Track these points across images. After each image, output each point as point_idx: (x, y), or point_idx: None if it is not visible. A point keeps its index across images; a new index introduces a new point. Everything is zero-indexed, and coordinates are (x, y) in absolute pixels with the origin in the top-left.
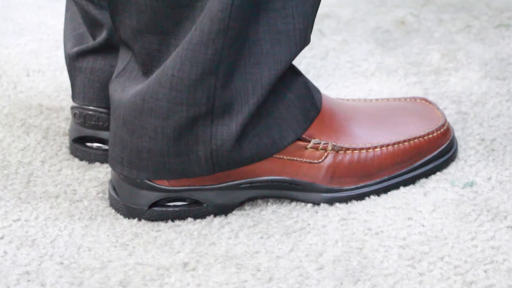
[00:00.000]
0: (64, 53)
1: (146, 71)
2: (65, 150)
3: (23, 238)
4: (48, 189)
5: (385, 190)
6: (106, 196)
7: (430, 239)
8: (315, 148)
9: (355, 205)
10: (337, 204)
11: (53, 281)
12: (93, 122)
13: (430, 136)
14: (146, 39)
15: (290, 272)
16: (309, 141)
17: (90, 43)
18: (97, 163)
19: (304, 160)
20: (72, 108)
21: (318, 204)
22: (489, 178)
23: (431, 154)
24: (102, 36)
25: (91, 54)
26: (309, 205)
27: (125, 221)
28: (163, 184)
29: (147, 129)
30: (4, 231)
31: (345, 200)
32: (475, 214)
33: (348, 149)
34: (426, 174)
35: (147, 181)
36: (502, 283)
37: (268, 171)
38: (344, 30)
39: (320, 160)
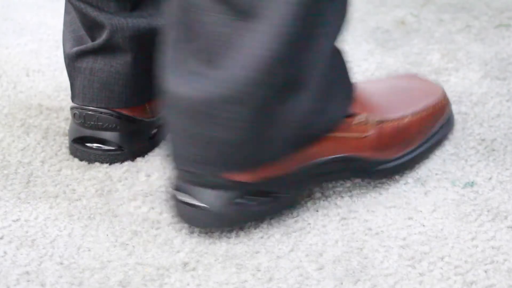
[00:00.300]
0: (63, 53)
1: (211, 58)
2: (65, 150)
3: (22, 238)
4: (48, 189)
5: (422, 156)
6: (104, 193)
7: (430, 239)
8: (361, 122)
9: (355, 204)
10: (337, 203)
11: (53, 281)
12: (92, 123)
13: (439, 104)
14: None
15: (290, 272)
16: (355, 116)
17: (89, 43)
18: (97, 163)
19: (352, 135)
20: (72, 108)
21: (375, 179)
22: (490, 178)
23: (441, 118)
24: (102, 37)
25: (91, 55)
26: (309, 204)
27: (124, 219)
28: (241, 179)
29: (223, 117)
30: (3, 231)
31: (398, 170)
32: (476, 214)
33: (388, 120)
34: (439, 141)
35: (224, 178)
36: (503, 283)
37: (327, 150)
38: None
39: (366, 134)
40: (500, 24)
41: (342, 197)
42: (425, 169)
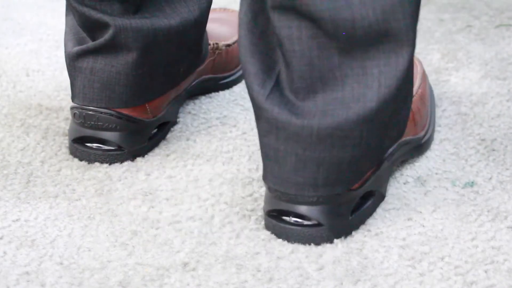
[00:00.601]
0: (64, 53)
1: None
2: (65, 150)
3: (22, 238)
4: (48, 189)
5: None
6: (104, 193)
7: (430, 239)
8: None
9: None
10: None
11: (52, 281)
12: (92, 122)
13: None
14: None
15: (290, 273)
16: None
17: (90, 43)
18: (97, 163)
19: None
20: (72, 108)
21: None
22: (490, 178)
23: None
24: (104, 37)
25: (91, 54)
26: None
27: (124, 218)
28: (353, 188)
29: (351, 138)
30: (3, 231)
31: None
32: (476, 214)
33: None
34: None
35: (341, 192)
36: (503, 283)
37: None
38: None
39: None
40: (501, 24)
41: None
42: (425, 169)
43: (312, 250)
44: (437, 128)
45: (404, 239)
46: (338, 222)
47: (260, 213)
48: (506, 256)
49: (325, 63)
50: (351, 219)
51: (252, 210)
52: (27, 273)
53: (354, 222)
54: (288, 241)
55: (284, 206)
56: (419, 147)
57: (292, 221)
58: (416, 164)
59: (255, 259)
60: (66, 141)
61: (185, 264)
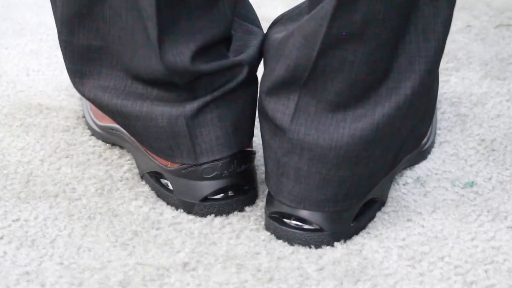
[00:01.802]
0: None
1: (348, 101)
2: (64, 147)
3: (22, 238)
4: (48, 188)
5: None
6: (105, 193)
7: (430, 239)
8: None
9: None
10: None
11: (53, 281)
12: (231, 170)
13: None
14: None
15: (290, 273)
16: None
17: (212, 93)
18: (96, 163)
19: None
20: (201, 165)
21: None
22: (490, 178)
23: None
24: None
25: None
26: None
27: (124, 218)
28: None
29: (374, 155)
30: (3, 231)
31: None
32: (475, 214)
33: None
34: None
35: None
36: (503, 283)
37: None
38: None
39: None
40: (501, 24)
41: None
42: (424, 169)
43: (312, 251)
44: (437, 128)
45: (403, 239)
46: (340, 228)
47: (260, 213)
48: (506, 256)
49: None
50: (353, 225)
51: (251, 211)
52: (27, 273)
53: (355, 228)
54: (289, 243)
55: (286, 209)
56: (420, 155)
57: (293, 224)
58: (416, 165)
59: (255, 259)
60: (65, 138)
61: (185, 264)
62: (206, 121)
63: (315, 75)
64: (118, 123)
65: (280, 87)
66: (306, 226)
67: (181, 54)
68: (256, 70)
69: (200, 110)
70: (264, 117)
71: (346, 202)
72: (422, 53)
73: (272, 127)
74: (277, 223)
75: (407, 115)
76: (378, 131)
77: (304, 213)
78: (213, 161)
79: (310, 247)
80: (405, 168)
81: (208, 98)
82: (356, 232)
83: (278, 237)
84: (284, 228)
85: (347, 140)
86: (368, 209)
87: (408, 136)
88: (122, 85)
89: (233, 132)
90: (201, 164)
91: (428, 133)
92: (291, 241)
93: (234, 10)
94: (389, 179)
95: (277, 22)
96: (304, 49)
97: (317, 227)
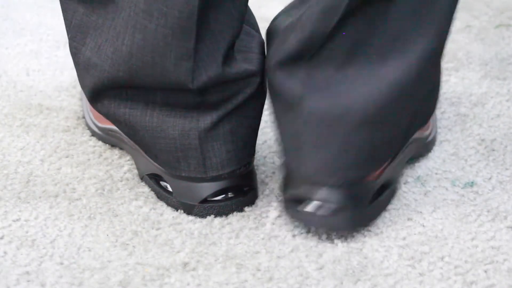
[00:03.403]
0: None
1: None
2: (64, 147)
3: (23, 238)
4: (48, 188)
5: None
6: (105, 193)
7: (430, 239)
8: None
9: None
10: None
11: (53, 281)
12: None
13: None
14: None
15: (290, 272)
16: None
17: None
18: (96, 162)
19: None
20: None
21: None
22: (490, 178)
23: None
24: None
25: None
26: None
27: (124, 218)
28: (372, 179)
29: (390, 119)
30: (4, 231)
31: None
32: (475, 214)
33: None
34: None
35: (364, 181)
36: (503, 283)
37: None
38: None
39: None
40: (500, 24)
41: None
42: (425, 169)
43: (312, 249)
44: (437, 128)
45: (404, 238)
46: (358, 210)
47: (259, 211)
48: (506, 256)
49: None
50: (369, 208)
51: (251, 210)
52: (27, 273)
53: (371, 212)
54: (306, 227)
55: (304, 190)
56: (424, 146)
57: (312, 209)
58: (416, 164)
59: (255, 258)
60: (65, 137)
61: (185, 264)
62: (218, 136)
63: (329, 44)
64: (124, 133)
65: (291, 60)
66: (325, 210)
67: (213, 62)
68: (265, 82)
69: (214, 125)
70: (275, 94)
71: (365, 169)
72: (437, 13)
73: (284, 103)
74: (294, 207)
75: (420, 78)
76: (393, 93)
77: (322, 194)
78: (221, 174)
79: (311, 246)
80: (408, 162)
81: (221, 112)
82: (374, 216)
83: (296, 222)
84: (301, 212)
85: (362, 103)
86: (381, 194)
87: (419, 107)
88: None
89: (243, 146)
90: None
91: (431, 127)
92: (308, 225)
93: (246, 5)
94: (399, 165)
95: (279, 16)
96: (321, 20)
97: (335, 209)
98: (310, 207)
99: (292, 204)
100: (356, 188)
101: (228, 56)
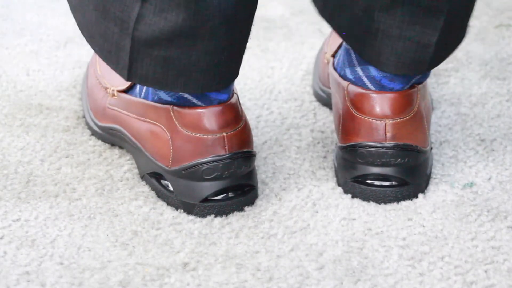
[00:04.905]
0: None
1: None
2: (64, 147)
3: (23, 238)
4: (48, 188)
5: None
6: (105, 193)
7: (430, 239)
8: None
9: (355, 207)
10: (337, 204)
11: (53, 281)
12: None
13: None
14: None
15: (290, 272)
16: None
17: None
18: (96, 162)
19: None
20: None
21: None
22: (489, 179)
23: None
24: None
25: None
26: (309, 205)
27: (124, 218)
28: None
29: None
30: (4, 231)
31: None
32: (475, 214)
33: None
34: None
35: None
36: (503, 283)
37: None
38: None
39: None
40: (500, 24)
41: (342, 198)
42: None
43: (312, 248)
44: (437, 129)
45: (404, 238)
46: (420, 180)
47: (258, 210)
48: (506, 256)
49: None
50: (428, 175)
51: (251, 210)
52: (27, 273)
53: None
54: (377, 202)
55: (371, 169)
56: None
57: (379, 183)
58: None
59: (254, 258)
60: (65, 137)
61: (185, 264)
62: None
63: None
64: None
65: None
66: (389, 183)
67: None
68: None
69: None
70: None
71: (431, 65)
72: None
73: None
74: (363, 185)
75: None
76: None
77: (387, 171)
78: (221, 174)
79: (312, 244)
80: None
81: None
82: (428, 182)
83: (365, 199)
84: (372, 188)
85: None
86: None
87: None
88: None
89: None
90: (202, 165)
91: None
92: (378, 200)
93: None
94: None
95: None
96: None
97: (401, 182)
98: (377, 184)
99: (359, 183)
100: (415, 161)
101: None
